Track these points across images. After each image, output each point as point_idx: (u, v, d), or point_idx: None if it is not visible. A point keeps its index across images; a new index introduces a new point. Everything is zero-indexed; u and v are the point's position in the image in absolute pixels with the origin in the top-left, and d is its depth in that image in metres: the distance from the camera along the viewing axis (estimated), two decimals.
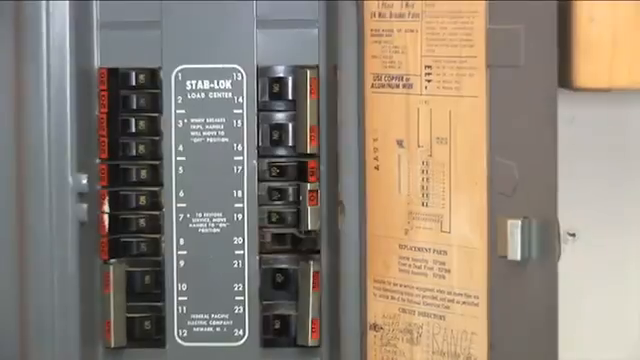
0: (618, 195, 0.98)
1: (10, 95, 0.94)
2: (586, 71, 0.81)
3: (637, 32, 0.80)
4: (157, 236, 0.96)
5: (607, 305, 1.01)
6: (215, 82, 0.96)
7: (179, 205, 0.96)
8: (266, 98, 0.96)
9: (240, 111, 0.96)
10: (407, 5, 0.89)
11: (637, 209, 0.99)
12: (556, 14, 0.81)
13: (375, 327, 0.92)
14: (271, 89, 0.96)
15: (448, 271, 0.89)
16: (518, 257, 0.83)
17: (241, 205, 0.96)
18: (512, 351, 0.86)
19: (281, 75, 0.96)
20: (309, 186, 0.95)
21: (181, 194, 0.96)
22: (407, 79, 0.90)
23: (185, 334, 0.97)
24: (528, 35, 0.83)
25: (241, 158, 0.96)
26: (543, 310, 0.83)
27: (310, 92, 0.95)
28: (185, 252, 0.96)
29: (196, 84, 0.96)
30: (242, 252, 0.97)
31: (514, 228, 0.83)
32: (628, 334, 1.05)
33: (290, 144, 0.96)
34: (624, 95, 0.82)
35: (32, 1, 0.93)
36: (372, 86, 0.92)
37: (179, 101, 0.96)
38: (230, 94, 0.96)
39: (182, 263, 0.97)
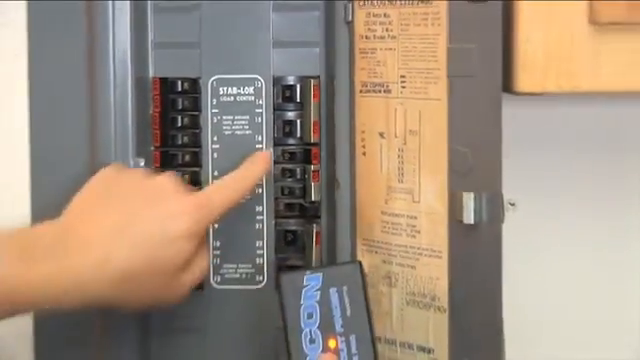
0: (548, 174, 0.97)
1: (84, 97, 0.92)
2: (524, 79, 0.81)
3: (563, 49, 0.80)
4: None
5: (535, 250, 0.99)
6: (241, 88, 0.94)
7: (214, 181, 0.95)
8: (280, 101, 0.95)
9: (260, 110, 0.95)
10: (387, 30, 0.88)
11: (563, 183, 0.97)
12: (501, 36, 0.81)
13: None
14: (283, 94, 0.94)
15: (418, 232, 0.87)
16: (472, 221, 0.83)
17: (261, 181, 0.95)
18: (467, 292, 0.85)
19: (291, 83, 0.94)
20: (312, 167, 0.94)
21: (215, 173, 0.94)
22: (387, 86, 0.89)
23: (219, 279, 0.95)
24: (479, 52, 0.83)
25: (261, 146, 0.95)
26: (490, 261, 0.83)
27: (313, 96, 0.93)
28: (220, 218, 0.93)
29: (227, 90, 0.94)
30: (262, 217, 0.95)
31: (468, 199, 0.83)
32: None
33: (298, 135, 0.95)
34: (554, 97, 0.82)
35: (101, 23, 0.90)
36: (360, 91, 0.91)
37: (214, 103, 0.94)
38: (253, 98, 0.94)
39: (216, 225, 0.95)
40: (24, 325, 0.93)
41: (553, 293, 1.01)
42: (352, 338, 0.81)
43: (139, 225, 0.81)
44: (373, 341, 0.81)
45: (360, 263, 0.83)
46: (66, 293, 0.79)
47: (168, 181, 0.85)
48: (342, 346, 0.80)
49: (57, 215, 0.86)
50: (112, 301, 0.82)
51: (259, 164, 0.90)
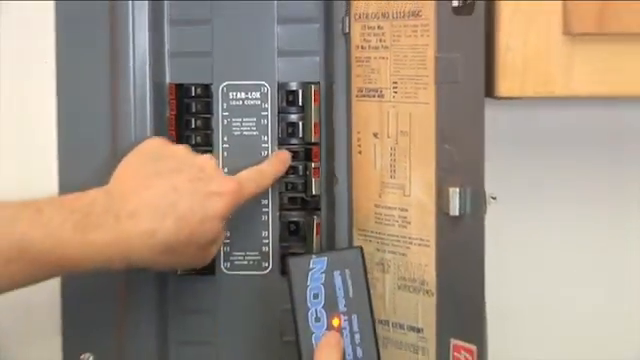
0: (526, 170, 0.97)
1: (107, 100, 0.92)
2: (504, 85, 0.79)
3: (539, 57, 0.78)
4: None
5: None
6: (249, 93, 0.94)
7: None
8: (284, 104, 0.94)
9: (266, 113, 0.94)
10: (380, 40, 0.88)
11: (541, 178, 0.98)
12: (483, 46, 0.80)
13: None
14: (287, 98, 0.94)
15: (409, 223, 0.87)
16: (457, 213, 0.83)
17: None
18: (452, 277, 0.85)
19: (294, 89, 0.94)
20: (313, 164, 0.94)
21: (225, 170, 0.94)
22: (380, 91, 0.89)
23: (229, 265, 0.95)
24: (464, 61, 0.82)
25: (267, 145, 0.94)
26: (474, 249, 0.82)
27: (314, 100, 0.93)
28: None
29: (236, 95, 0.94)
30: (267, 210, 0.95)
31: (454, 194, 0.83)
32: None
33: (300, 136, 0.94)
34: (532, 101, 0.82)
35: (123, 35, 0.91)
36: (356, 96, 0.91)
37: (224, 107, 0.94)
38: (259, 102, 0.94)
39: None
40: (53, 292, 0.94)
41: (534, 280, 1.00)
42: (354, 317, 0.81)
43: (184, 202, 0.81)
44: (373, 320, 0.81)
45: (361, 248, 0.83)
46: (112, 260, 0.79)
47: (210, 162, 0.85)
48: (345, 324, 0.81)
49: None
50: (150, 265, 0.83)
51: (282, 163, 0.91)
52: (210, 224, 0.82)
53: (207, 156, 0.86)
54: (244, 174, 0.88)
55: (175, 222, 0.80)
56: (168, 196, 0.81)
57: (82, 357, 0.94)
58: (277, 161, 0.91)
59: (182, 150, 0.86)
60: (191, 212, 0.81)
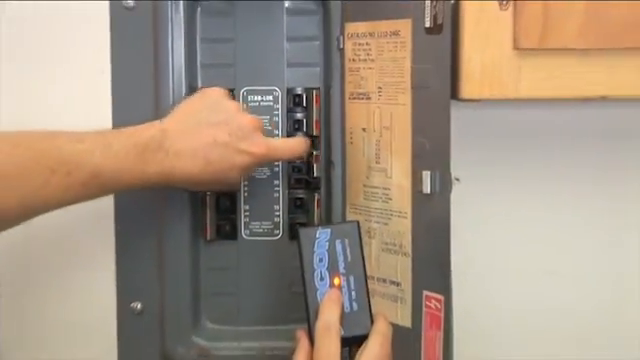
0: (484, 157, 0.95)
1: (151, 102, 0.92)
2: (466, 89, 0.79)
3: (494, 67, 0.77)
4: None
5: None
6: (264, 96, 0.94)
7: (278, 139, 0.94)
8: (291, 105, 0.94)
9: (277, 112, 0.94)
10: (368, 54, 0.87)
11: (495, 164, 0.96)
12: (450, 58, 0.80)
13: None
14: (294, 101, 0.93)
15: (390, 199, 0.87)
16: (428, 191, 0.83)
17: (278, 163, 0.94)
18: (424, 242, 0.84)
19: (299, 93, 0.93)
20: (315, 153, 0.93)
21: None
22: (368, 95, 0.88)
23: (248, 232, 0.95)
24: (434, 70, 0.82)
25: (278, 137, 0.94)
26: (441, 220, 0.82)
27: (315, 102, 0.93)
28: (248, 189, 0.95)
29: (253, 97, 0.94)
30: (279, 188, 0.94)
31: (426, 176, 0.83)
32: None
33: (304, 130, 0.94)
34: (487, 102, 0.81)
35: (163, 51, 0.90)
36: (349, 98, 0.90)
37: (244, 107, 0.93)
38: (272, 103, 0.94)
39: (246, 195, 0.95)
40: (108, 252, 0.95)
41: (490, 240, 0.97)
42: (351, 277, 0.81)
43: (218, 151, 0.83)
44: (366, 280, 0.81)
45: (358, 222, 0.82)
46: (158, 184, 0.83)
47: (251, 122, 0.85)
48: (344, 283, 0.81)
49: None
50: (187, 187, 0.89)
51: (304, 143, 0.90)
52: (233, 173, 0.84)
53: (251, 117, 0.86)
54: (274, 142, 0.88)
55: (205, 166, 0.82)
56: (208, 144, 0.83)
57: (132, 305, 0.94)
58: (302, 141, 0.90)
59: (233, 107, 0.86)
60: (220, 161, 0.83)
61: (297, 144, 0.90)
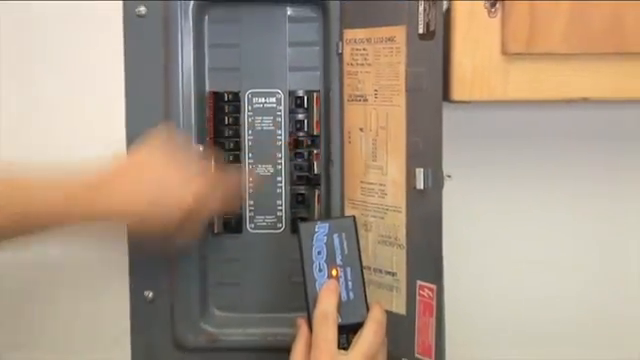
0: (474, 155, 0.95)
1: (162, 104, 0.92)
2: (457, 91, 0.78)
3: (483, 71, 0.76)
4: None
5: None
6: (267, 98, 0.94)
7: (249, 160, 0.94)
8: (293, 107, 0.94)
9: (280, 113, 0.94)
10: (365, 59, 0.87)
11: (485, 162, 0.96)
12: (442, 62, 0.79)
13: None
14: (296, 102, 0.93)
15: (386, 194, 0.87)
16: (422, 187, 0.82)
17: (281, 161, 0.94)
18: (418, 235, 0.84)
19: (301, 95, 0.93)
20: (315, 151, 0.93)
21: (250, 155, 0.94)
22: (365, 97, 0.88)
23: (253, 226, 0.95)
24: (427, 74, 0.81)
25: (280, 137, 0.94)
26: (433, 214, 0.82)
27: (316, 104, 0.93)
28: (252, 185, 0.95)
29: (258, 99, 0.94)
30: (281, 184, 0.95)
31: (419, 172, 0.82)
32: None
33: (305, 130, 0.94)
34: (480, 104, 0.81)
35: (174, 57, 0.90)
36: (347, 100, 0.90)
37: (249, 108, 0.94)
38: (275, 105, 0.94)
39: (251, 190, 0.95)
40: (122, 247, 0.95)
41: (480, 233, 0.97)
42: (348, 269, 0.81)
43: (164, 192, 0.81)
44: (362, 272, 0.81)
45: (354, 217, 0.83)
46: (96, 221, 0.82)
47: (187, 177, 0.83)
48: (341, 274, 0.81)
49: None
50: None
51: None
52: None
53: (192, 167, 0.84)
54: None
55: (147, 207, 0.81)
56: (151, 189, 0.81)
57: (145, 294, 0.95)
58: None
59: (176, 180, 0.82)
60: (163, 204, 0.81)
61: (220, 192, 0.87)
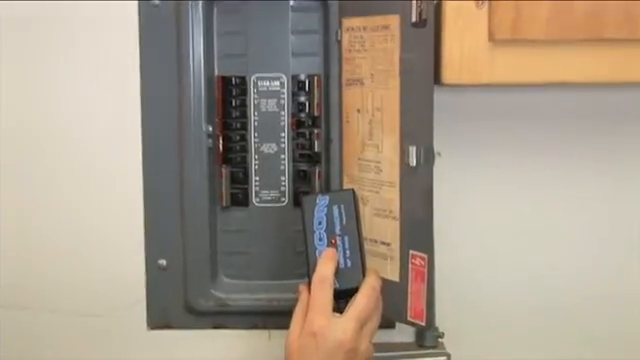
0: (462, 135, 0.94)
1: (175, 88, 0.92)
2: (447, 75, 0.77)
3: (471, 56, 0.76)
4: (245, 154, 0.94)
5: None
6: (272, 82, 0.93)
7: (255, 140, 0.94)
8: (295, 90, 0.93)
9: (284, 96, 0.93)
10: (362, 45, 0.86)
11: (472, 141, 0.95)
12: (433, 49, 0.78)
13: None
14: (298, 86, 0.93)
15: (381, 171, 0.86)
16: (414, 164, 0.82)
17: (284, 140, 0.94)
18: (410, 207, 0.83)
19: (303, 79, 0.93)
20: (316, 130, 0.93)
21: (255, 134, 0.94)
22: (362, 81, 0.87)
23: (258, 200, 0.95)
24: (419, 59, 0.80)
25: (284, 118, 0.94)
26: (425, 188, 0.81)
27: (317, 87, 0.92)
28: (258, 162, 0.94)
29: (263, 83, 0.93)
30: (285, 162, 0.94)
31: (412, 150, 0.82)
32: None
33: (307, 111, 0.94)
34: (468, 87, 0.81)
35: (185, 44, 0.90)
36: (345, 84, 0.89)
37: (255, 91, 0.93)
38: (279, 88, 0.93)
39: (257, 167, 0.94)
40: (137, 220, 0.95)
41: (470, 205, 0.96)
42: (346, 238, 0.81)
43: None
44: (360, 241, 0.81)
45: (353, 190, 0.83)
46: None
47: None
48: (339, 242, 0.81)
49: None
50: None
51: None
52: None
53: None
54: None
55: None
56: None
57: (159, 262, 0.95)
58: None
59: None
60: None
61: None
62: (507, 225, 0.97)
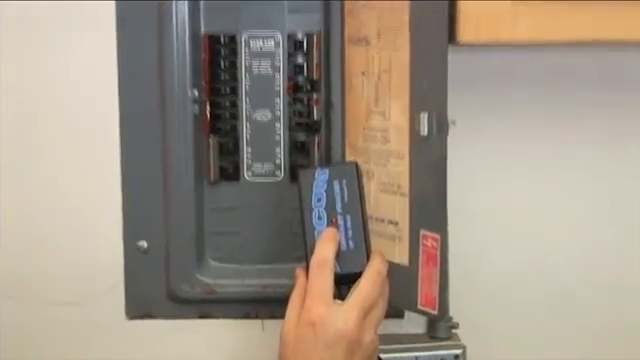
0: (478, 100, 0.95)
1: (155, 48, 0.92)
2: (464, 33, 0.77)
3: (491, 13, 0.75)
4: (235, 122, 0.94)
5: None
6: (265, 41, 0.93)
7: (246, 106, 0.94)
8: (292, 50, 0.93)
9: (279, 57, 0.93)
10: None
11: (489, 106, 0.95)
12: (447, 3, 0.78)
13: None
14: (295, 45, 0.93)
15: (388, 141, 0.86)
16: (425, 134, 0.81)
17: (279, 106, 0.94)
18: (421, 182, 0.83)
19: (300, 38, 0.93)
20: (315, 95, 0.93)
21: (247, 100, 0.94)
22: (367, 39, 0.87)
23: (250, 174, 0.95)
24: (432, 14, 0.79)
25: (279, 82, 0.94)
26: (438, 161, 0.81)
27: (316, 46, 0.92)
28: (250, 131, 0.95)
29: (255, 42, 0.93)
30: (280, 131, 0.95)
31: (423, 118, 0.81)
32: None
33: (305, 74, 0.94)
34: (487, 47, 0.80)
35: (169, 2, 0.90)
36: (348, 43, 0.89)
37: (246, 51, 0.93)
38: (273, 48, 0.93)
39: (248, 137, 0.95)
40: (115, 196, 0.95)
41: (486, 182, 0.97)
42: (348, 217, 0.81)
43: None
44: (364, 220, 0.81)
45: (356, 163, 0.83)
46: None
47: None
48: (341, 222, 0.81)
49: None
50: None
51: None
52: None
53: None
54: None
55: None
56: None
57: (139, 243, 0.95)
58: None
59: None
60: None
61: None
62: (532, 203, 0.97)
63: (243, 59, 0.93)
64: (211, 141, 0.94)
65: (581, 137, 0.96)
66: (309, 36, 0.92)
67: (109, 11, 0.92)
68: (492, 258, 0.98)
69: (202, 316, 0.97)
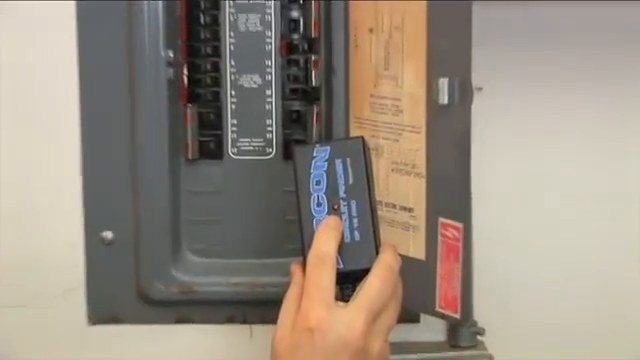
0: (510, 63, 0.95)
1: (122, 20, 0.92)
2: None
3: None
4: (217, 89, 0.95)
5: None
6: None
7: (231, 70, 0.95)
8: (286, 2, 0.94)
9: (269, 10, 0.94)
10: None
11: (522, 71, 0.96)
12: None
13: None
14: None
15: (401, 111, 0.85)
16: (446, 102, 0.80)
17: (270, 70, 0.94)
18: (441, 161, 0.83)
19: None
20: (313, 57, 0.93)
21: (232, 62, 0.94)
22: None
23: (236, 151, 0.96)
24: None
25: (270, 40, 0.94)
26: (461, 135, 0.80)
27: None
28: (235, 100, 0.95)
29: None
30: (271, 99, 0.95)
31: (443, 84, 0.80)
32: None
33: (301, 32, 0.94)
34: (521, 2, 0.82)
35: None
36: None
37: (231, 4, 0.94)
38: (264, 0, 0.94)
39: (233, 107, 0.95)
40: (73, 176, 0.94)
41: (517, 162, 0.98)
42: (353, 203, 0.80)
43: None
44: (372, 206, 0.81)
45: (363, 138, 0.82)
46: None
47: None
48: (344, 209, 0.80)
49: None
50: None
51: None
52: None
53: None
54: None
55: None
56: None
57: (102, 234, 0.95)
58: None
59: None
60: None
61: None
62: (568, 186, 0.98)
63: (227, 13, 0.93)
64: (189, 111, 0.94)
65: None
66: None
67: None
68: (524, 249, 0.98)
69: (178, 321, 0.97)
